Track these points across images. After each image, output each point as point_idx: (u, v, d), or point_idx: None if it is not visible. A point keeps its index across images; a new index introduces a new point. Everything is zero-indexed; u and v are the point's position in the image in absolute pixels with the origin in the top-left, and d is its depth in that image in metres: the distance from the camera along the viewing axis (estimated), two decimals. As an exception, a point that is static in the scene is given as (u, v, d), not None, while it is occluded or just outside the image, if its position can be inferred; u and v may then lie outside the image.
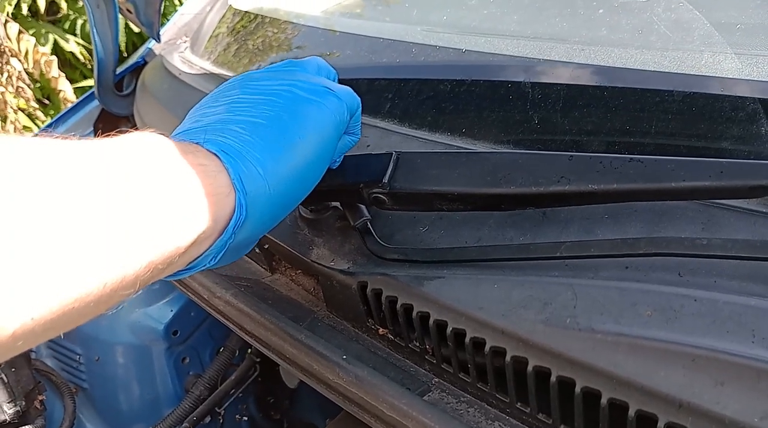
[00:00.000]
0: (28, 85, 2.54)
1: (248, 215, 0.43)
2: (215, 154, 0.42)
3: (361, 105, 0.55)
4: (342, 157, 0.56)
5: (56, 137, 0.35)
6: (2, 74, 2.45)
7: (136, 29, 2.72)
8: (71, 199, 0.33)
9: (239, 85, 0.50)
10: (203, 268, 0.44)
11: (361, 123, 0.57)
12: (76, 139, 0.36)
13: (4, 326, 0.30)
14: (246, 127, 0.44)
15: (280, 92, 0.48)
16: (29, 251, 0.30)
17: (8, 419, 0.90)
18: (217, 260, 0.44)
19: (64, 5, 2.82)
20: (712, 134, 0.54)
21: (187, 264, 0.42)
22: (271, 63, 0.96)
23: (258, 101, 0.47)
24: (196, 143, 0.42)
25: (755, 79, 0.54)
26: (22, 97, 2.53)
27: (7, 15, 2.54)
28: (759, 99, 0.52)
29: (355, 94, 0.53)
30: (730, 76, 0.55)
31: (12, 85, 2.47)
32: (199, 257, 0.42)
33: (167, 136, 0.42)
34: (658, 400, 0.39)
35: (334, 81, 0.55)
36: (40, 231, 0.31)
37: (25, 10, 2.69)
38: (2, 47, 2.37)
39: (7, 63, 2.41)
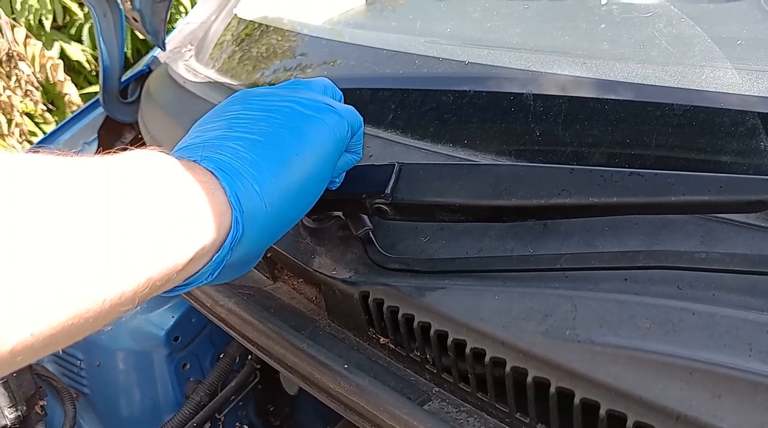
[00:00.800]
0: (37, 88, 2.55)
1: (245, 232, 0.43)
2: (212, 172, 0.42)
3: (363, 124, 0.55)
4: (342, 175, 0.56)
5: (56, 154, 0.36)
6: (10, 78, 2.46)
7: (141, 36, 2.74)
8: (71, 217, 0.33)
9: (241, 100, 0.50)
10: (200, 285, 0.44)
11: (364, 133, 0.57)
12: (76, 157, 0.36)
13: (4, 342, 0.29)
14: (244, 143, 0.45)
15: (281, 108, 0.48)
16: (29, 267, 0.30)
17: (9, 424, 0.90)
18: (214, 277, 0.44)
19: (79, 14, 2.84)
20: (711, 148, 0.54)
21: (184, 281, 0.42)
22: (275, 72, 0.97)
23: (258, 117, 0.47)
24: (194, 161, 0.43)
25: (755, 94, 0.54)
26: (31, 99, 2.54)
27: (27, 28, 2.56)
28: (758, 114, 0.53)
29: (357, 113, 0.54)
30: (731, 91, 0.55)
31: (21, 89, 2.49)
32: (196, 273, 0.42)
33: (167, 153, 0.42)
34: (656, 412, 0.39)
35: (339, 101, 0.55)
36: (40, 247, 0.31)
37: (48, 26, 2.71)
38: (10, 51, 2.39)
39: (16, 67, 2.43)
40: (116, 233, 0.34)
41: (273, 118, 0.47)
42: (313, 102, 0.50)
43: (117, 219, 0.35)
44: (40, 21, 2.72)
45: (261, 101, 0.49)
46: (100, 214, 0.34)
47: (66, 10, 2.82)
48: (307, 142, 0.47)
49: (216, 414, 1.04)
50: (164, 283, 0.38)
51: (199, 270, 0.42)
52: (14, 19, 2.54)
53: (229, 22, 1.18)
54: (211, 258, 0.41)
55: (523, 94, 0.65)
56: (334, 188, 0.56)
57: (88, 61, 2.86)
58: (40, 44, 2.51)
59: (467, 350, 0.49)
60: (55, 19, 2.79)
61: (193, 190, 0.40)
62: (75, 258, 0.32)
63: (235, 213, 0.42)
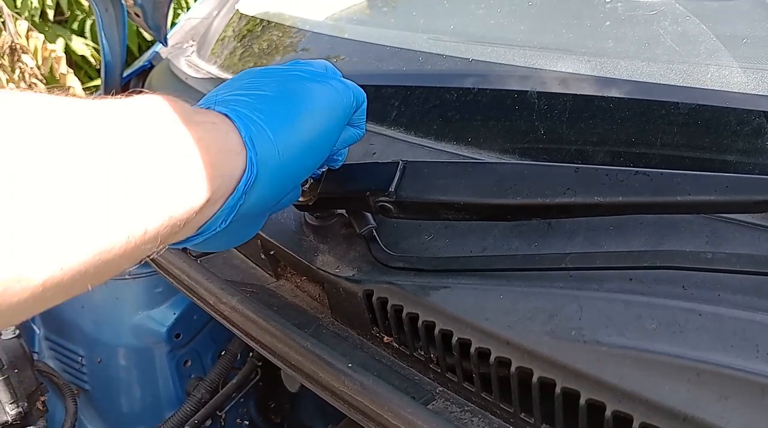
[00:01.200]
0: (41, 81, 2.54)
1: (258, 176, 0.44)
2: (226, 115, 0.43)
3: (366, 100, 0.55)
4: (346, 151, 0.57)
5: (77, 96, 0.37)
6: (14, 71, 2.46)
7: (144, 33, 2.73)
8: (92, 153, 0.34)
9: (247, 74, 0.51)
10: (214, 233, 0.44)
11: (368, 131, 0.57)
12: (91, 98, 0.37)
13: (35, 276, 0.30)
14: (257, 98, 0.46)
15: (288, 76, 0.50)
16: (54, 200, 0.31)
17: (10, 420, 0.90)
18: (227, 223, 0.44)
19: (84, 5, 2.83)
20: (717, 147, 0.54)
21: (199, 228, 0.43)
22: (278, 68, 0.97)
23: (267, 81, 0.49)
24: (207, 108, 0.44)
25: (761, 92, 0.54)
26: (35, 92, 2.52)
27: (31, 21, 2.55)
28: (764, 113, 0.53)
29: (361, 88, 0.55)
30: (736, 90, 0.55)
31: (25, 82, 2.48)
32: (210, 218, 0.43)
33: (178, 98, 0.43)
34: (662, 413, 0.39)
35: None
36: (63, 183, 0.32)
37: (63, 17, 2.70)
38: (13, 44, 2.38)
39: (19, 60, 2.42)
40: (135, 170, 0.35)
41: (282, 81, 0.49)
42: (317, 73, 0.52)
43: (135, 158, 0.36)
44: (43, 13, 2.71)
45: (270, 71, 0.51)
46: (121, 152, 0.35)
47: (72, 3, 2.81)
48: (317, 100, 0.49)
49: (217, 411, 1.04)
50: (183, 225, 0.39)
51: (214, 214, 0.42)
52: (17, 13, 2.53)
53: (231, 18, 1.18)
54: (226, 200, 0.42)
55: (527, 91, 0.65)
56: (337, 166, 0.57)
57: (92, 55, 2.85)
58: (42, 37, 2.50)
59: (472, 349, 0.48)
60: (59, 13, 2.78)
61: (206, 129, 0.41)
62: (97, 194, 0.33)
63: (250, 153, 0.43)
